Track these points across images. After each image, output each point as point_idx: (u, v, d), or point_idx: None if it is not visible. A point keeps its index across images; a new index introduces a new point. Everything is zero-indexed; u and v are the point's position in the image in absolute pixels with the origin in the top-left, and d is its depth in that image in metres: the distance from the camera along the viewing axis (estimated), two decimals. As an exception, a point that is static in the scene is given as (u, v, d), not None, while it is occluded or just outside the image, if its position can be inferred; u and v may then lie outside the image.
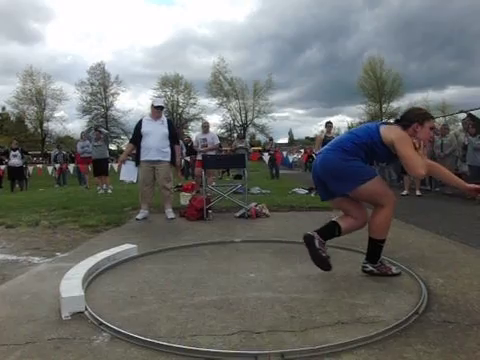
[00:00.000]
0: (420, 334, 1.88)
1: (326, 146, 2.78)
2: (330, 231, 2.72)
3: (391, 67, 40.35)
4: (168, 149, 5.46)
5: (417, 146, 2.61)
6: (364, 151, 2.62)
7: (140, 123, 5.54)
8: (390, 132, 2.59)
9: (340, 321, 2.02)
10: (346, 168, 2.58)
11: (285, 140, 57.49)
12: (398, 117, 2.77)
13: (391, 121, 2.79)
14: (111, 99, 42.59)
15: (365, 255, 2.77)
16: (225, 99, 44.26)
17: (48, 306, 2.28)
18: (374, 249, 2.70)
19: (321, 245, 2.64)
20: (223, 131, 43.64)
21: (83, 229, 4.69)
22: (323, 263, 2.65)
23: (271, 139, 17.37)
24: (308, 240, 2.65)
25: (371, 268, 2.72)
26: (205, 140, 8.39)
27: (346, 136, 2.73)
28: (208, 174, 6.42)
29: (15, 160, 12.49)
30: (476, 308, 2.18)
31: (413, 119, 2.67)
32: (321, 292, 2.47)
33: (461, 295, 2.38)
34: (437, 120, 11.72)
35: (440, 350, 1.73)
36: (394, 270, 2.75)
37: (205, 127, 8.75)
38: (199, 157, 8.39)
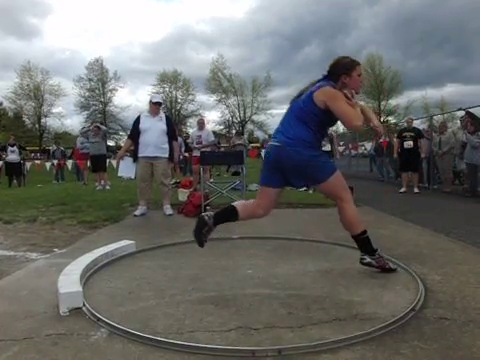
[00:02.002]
0: (417, 331, 1.89)
1: (288, 135, 2.64)
2: (227, 216, 2.78)
3: (390, 64, 40.34)
4: (166, 145, 5.46)
5: (349, 96, 2.61)
6: (319, 131, 2.66)
7: (138, 119, 5.53)
8: (320, 94, 2.58)
9: (337, 318, 2.03)
10: (316, 163, 2.62)
11: (283, 137, 57.27)
12: (325, 72, 2.74)
13: (320, 79, 2.74)
14: (109, 95, 42.38)
15: (360, 250, 2.78)
16: (224, 96, 44.15)
17: (46, 302, 2.28)
18: (363, 243, 2.73)
19: (208, 232, 2.71)
20: (221, 128, 43.61)
21: (81, 225, 4.69)
22: (199, 243, 2.72)
23: (270, 136, 17.35)
24: (201, 223, 2.69)
25: (369, 260, 2.73)
26: (200, 137, 8.35)
27: (300, 125, 2.63)
28: (205, 170, 6.42)
29: (13, 156, 12.45)
30: (473, 305, 2.19)
31: (340, 71, 2.68)
32: (318, 289, 2.48)
33: (458, 292, 2.39)
34: (435, 118, 11.72)
35: (436, 346, 1.74)
36: (391, 265, 2.77)
37: (200, 124, 8.71)
38: (195, 153, 8.37)
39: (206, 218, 2.69)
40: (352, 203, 2.71)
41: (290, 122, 2.70)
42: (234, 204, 2.84)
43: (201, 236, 2.70)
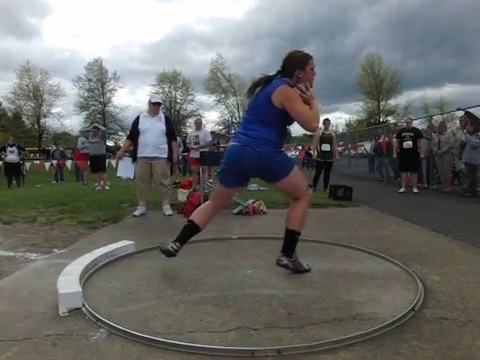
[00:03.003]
0: (416, 331, 1.89)
1: (252, 135, 2.62)
2: (191, 233, 2.85)
3: (389, 64, 40.37)
4: (165, 146, 5.45)
5: (303, 89, 2.62)
6: (281, 129, 2.68)
7: (137, 119, 5.52)
8: (276, 95, 2.58)
9: (337, 318, 2.03)
10: (279, 158, 2.64)
11: (283, 137, 57.26)
12: (280, 67, 2.73)
13: (274, 74, 2.73)
14: (109, 95, 42.29)
15: (281, 248, 2.77)
16: (223, 96, 44.11)
17: (45, 302, 2.28)
18: (291, 241, 2.74)
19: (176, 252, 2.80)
20: (221, 128, 43.57)
21: (80, 225, 4.68)
22: (167, 256, 2.81)
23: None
24: (168, 253, 2.78)
25: (287, 262, 2.74)
26: (197, 137, 8.33)
27: (262, 125, 2.63)
28: (204, 171, 6.42)
29: (12, 156, 12.44)
30: (472, 305, 2.20)
31: (293, 66, 2.68)
32: (318, 289, 2.48)
33: (457, 292, 2.40)
34: (435, 118, 11.74)
35: (436, 346, 1.74)
36: (306, 266, 2.80)
37: (198, 124, 8.69)
38: (192, 154, 8.34)
39: (172, 250, 2.76)
40: (308, 203, 2.77)
41: (252, 124, 2.69)
42: (192, 218, 2.85)
43: (170, 255, 2.81)
